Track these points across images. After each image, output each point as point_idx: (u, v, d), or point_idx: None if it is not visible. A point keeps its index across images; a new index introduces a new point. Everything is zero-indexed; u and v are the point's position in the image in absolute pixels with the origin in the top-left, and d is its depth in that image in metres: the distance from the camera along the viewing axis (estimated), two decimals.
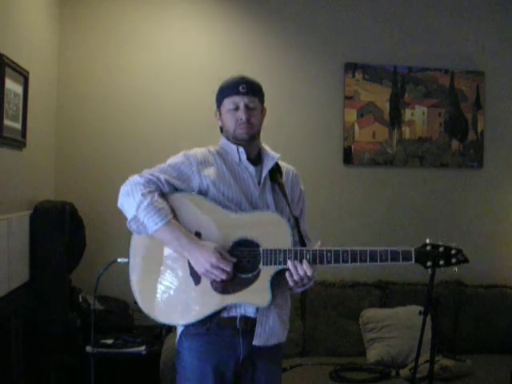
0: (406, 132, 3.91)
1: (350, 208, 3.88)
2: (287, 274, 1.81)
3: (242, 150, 1.95)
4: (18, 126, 2.87)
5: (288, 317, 1.98)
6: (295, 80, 3.82)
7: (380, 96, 3.88)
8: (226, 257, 1.80)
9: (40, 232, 3.02)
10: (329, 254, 1.80)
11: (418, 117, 3.92)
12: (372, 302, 3.58)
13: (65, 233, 3.06)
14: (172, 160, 1.93)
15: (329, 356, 3.40)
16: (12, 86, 2.73)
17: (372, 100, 3.86)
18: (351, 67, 3.84)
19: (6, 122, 2.67)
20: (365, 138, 3.85)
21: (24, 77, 2.90)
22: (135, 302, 1.88)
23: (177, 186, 1.89)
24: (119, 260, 1.94)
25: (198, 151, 1.96)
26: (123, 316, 3.37)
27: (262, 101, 2.00)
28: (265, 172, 1.95)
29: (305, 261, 1.80)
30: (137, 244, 1.89)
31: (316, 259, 1.81)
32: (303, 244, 1.90)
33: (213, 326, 1.85)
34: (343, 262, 1.80)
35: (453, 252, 1.83)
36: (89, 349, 3.07)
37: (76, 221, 3.19)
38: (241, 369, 1.89)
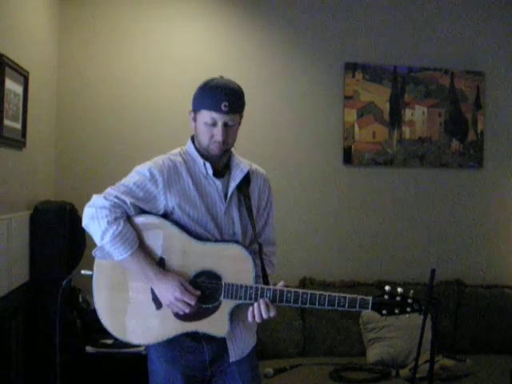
0: (406, 132, 3.91)
1: (350, 208, 3.88)
2: (248, 311, 1.83)
3: (208, 165, 1.90)
4: (18, 126, 2.87)
5: (254, 323, 1.97)
6: (295, 80, 3.82)
7: (380, 96, 3.88)
8: (190, 290, 1.81)
9: (40, 232, 3.02)
10: (289, 295, 1.81)
11: (418, 117, 3.93)
12: None
13: (65, 233, 3.06)
14: (138, 175, 1.86)
15: (329, 356, 3.41)
16: (12, 86, 2.73)
17: (372, 100, 3.86)
18: (351, 67, 3.84)
19: (6, 122, 2.66)
20: (365, 137, 3.85)
21: (24, 77, 2.90)
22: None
23: (143, 207, 1.86)
24: (83, 272, 1.95)
25: (166, 165, 1.89)
26: None
27: (242, 112, 1.92)
28: (232, 186, 1.92)
29: (266, 302, 1.81)
30: (102, 261, 1.88)
31: (276, 298, 1.81)
32: (264, 273, 1.91)
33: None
34: (302, 303, 1.81)
35: (409, 301, 1.90)
36: (89, 349, 3.07)
37: (76, 221, 3.19)
38: (211, 369, 1.92)
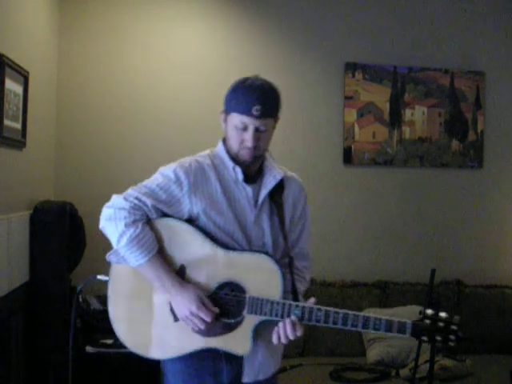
0: (406, 132, 3.91)
1: (350, 208, 3.88)
2: (273, 331, 1.68)
3: (238, 169, 1.76)
4: (18, 126, 2.87)
5: (281, 347, 1.81)
6: (295, 80, 3.82)
7: (380, 96, 3.88)
8: (207, 305, 1.68)
9: (40, 232, 3.02)
10: (319, 314, 1.66)
11: (418, 117, 3.93)
12: (372, 302, 3.59)
13: (65, 233, 3.06)
14: (163, 177, 1.74)
15: (329, 356, 3.41)
16: (12, 86, 2.73)
17: (372, 100, 3.86)
18: (351, 67, 3.84)
19: (6, 122, 2.66)
20: (365, 137, 3.85)
21: (24, 77, 2.90)
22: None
23: (165, 211, 1.73)
24: (99, 277, 1.87)
25: (193, 167, 1.75)
26: None
27: (276, 116, 1.78)
28: (263, 194, 1.78)
29: (293, 320, 1.65)
30: (118, 267, 1.79)
31: (304, 316, 1.66)
32: (294, 288, 1.77)
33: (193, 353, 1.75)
34: (333, 323, 1.66)
35: (453, 328, 1.64)
36: (89, 349, 3.07)
37: (76, 221, 3.19)
38: None
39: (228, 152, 1.79)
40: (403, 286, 3.70)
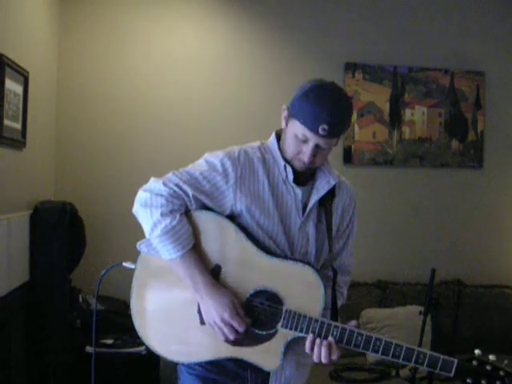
0: (406, 132, 3.91)
1: None
2: (308, 339, 1.54)
3: (289, 169, 1.62)
4: (18, 126, 2.87)
5: (310, 361, 1.66)
6: (295, 80, 3.79)
7: (380, 96, 3.88)
8: (241, 315, 1.54)
9: (40, 232, 3.02)
10: (359, 338, 1.52)
11: (418, 117, 3.92)
12: (372, 302, 3.58)
13: (65, 233, 3.06)
14: (208, 165, 1.60)
15: None
16: (12, 86, 2.73)
17: (372, 100, 3.86)
18: (351, 67, 3.84)
19: (6, 122, 2.66)
20: (365, 137, 3.85)
21: (24, 77, 2.90)
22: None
23: (206, 203, 1.60)
24: (124, 264, 1.77)
25: (242, 159, 1.62)
26: (123, 316, 3.37)
27: (340, 136, 1.61)
28: (314, 198, 1.64)
29: (330, 343, 1.52)
30: (147, 257, 1.66)
31: (343, 339, 1.53)
32: (334, 306, 1.65)
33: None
34: (373, 351, 1.52)
35: (501, 373, 1.48)
36: (89, 349, 3.07)
37: (76, 221, 3.19)
38: None
39: (280, 148, 1.66)
40: (403, 286, 3.70)
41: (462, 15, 3.98)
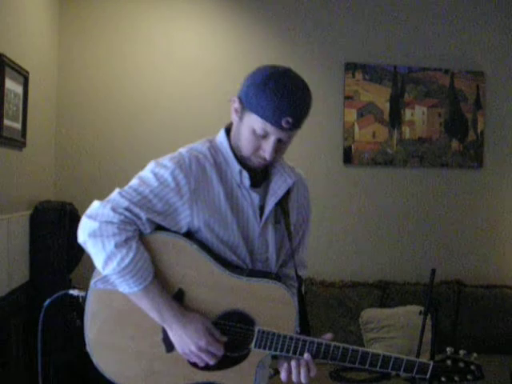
0: (406, 132, 3.91)
1: (350, 208, 3.88)
2: (282, 368, 1.50)
3: (245, 174, 1.51)
4: (18, 126, 2.87)
5: (269, 361, 1.67)
6: None
7: (380, 96, 3.88)
8: (217, 338, 1.46)
9: (40, 232, 3.02)
10: (335, 352, 1.48)
11: (418, 117, 3.92)
12: (372, 302, 3.59)
13: (65, 233, 3.06)
14: (158, 181, 1.46)
15: None
16: (12, 85, 2.73)
17: (372, 100, 3.86)
18: (351, 67, 3.84)
19: (6, 122, 2.66)
20: (365, 137, 3.85)
21: (24, 77, 2.90)
22: (88, 354, 1.55)
23: (160, 223, 1.46)
24: (71, 292, 1.63)
25: (194, 168, 1.47)
26: None
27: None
28: (272, 202, 1.54)
29: (308, 361, 1.49)
30: (100, 290, 1.51)
31: (320, 354, 1.49)
32: (305, 318, 1.59)
33: None
34: (350, 362, 1.48)
35: (472, 368, 1.54)
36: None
37: (76, 221, 3.17)
38: None
39: (231, 147, 1.53)
40: (403, 285, 3.70)
41: (462, 15, 3.98)
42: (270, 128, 1.42)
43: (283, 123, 1.40)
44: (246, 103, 1.44)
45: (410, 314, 3.38)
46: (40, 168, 3.31)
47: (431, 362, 1.49)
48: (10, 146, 2.76)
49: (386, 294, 3.65)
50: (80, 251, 3.23)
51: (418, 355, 2.24)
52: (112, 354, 1.52)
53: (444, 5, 3.96)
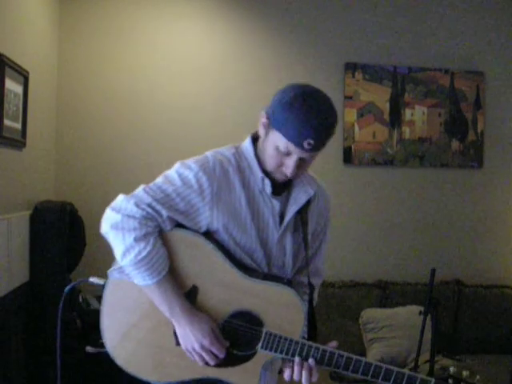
0: (406, 132, 3.91)
1: (350, 208, 3.87)
2: (286, 369, 1.54)
3: (267, 182, 1.55)
4: (18, 126, 2.87)
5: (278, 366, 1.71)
6: (295, 80, 3.79)
7: (380, 96, 3.88)
8: (220, 340, 1.51)
9: (40, 232, 3.02)
10: (339, 360, 1.55)
11: (418, 117, 3.92)
12: (372, 302, 3.59)
13: (65, 233, 3.06)
14: (182, 181, 1.51)
15: None
16: (12, 86, 2.73)
17: (372, 100, 3.86)
18: (351, 67, 3.84)
19: (6, 122, 2.66)
20: (365, 137, 3.85)
21: (24, 77, 2.90)
22: (101, 342, 1.65)
23: (180, 221, 1.52)
24: (91, 279, 1.67)
25: (217, 172, 1.52)
26: None
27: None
28: (292, 210, 1.59)
29: (310, 366, 1.54)
30: (118, 279, 1.60)
31: (323, 361, 1.56)
32: (313, 322, 1.65)
33: None
34: (353, 372, 1.54)
35: None
36: (89, 349, 3.07)
37: (76, 221, 3.19)
38: None
39: (257, 155, 1.57)
40: (403, 286, 3.70)
41: (462, 15, 3.98)
42: (292, 148, 1.46)
43: (305, 145, 1.45)
44: (272, 120, 1.49)
45: (409, 314, 3.38)
46: (40, 168, 3.30)
47: (433, 379, 1.50)
48: (10, 145, 2.76)
49: (386, 294, 3.65)
50: (80, 251, 3.25)
51: (417, 355, 2.24)
52: (125, 343, 1.58)
53: (444, 5, 3.96)
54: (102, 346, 3.12)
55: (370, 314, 3.47)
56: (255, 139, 1.62)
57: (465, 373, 1.57)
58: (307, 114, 1.44)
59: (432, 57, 3.94)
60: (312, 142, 1.45)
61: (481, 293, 3.73)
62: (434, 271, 2.27)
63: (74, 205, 3.20)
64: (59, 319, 1.75)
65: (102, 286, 1.62)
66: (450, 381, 1.56)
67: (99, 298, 3.44)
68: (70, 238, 3.10)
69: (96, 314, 1.91)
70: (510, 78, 4.04)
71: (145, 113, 3.66)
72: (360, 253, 3.88)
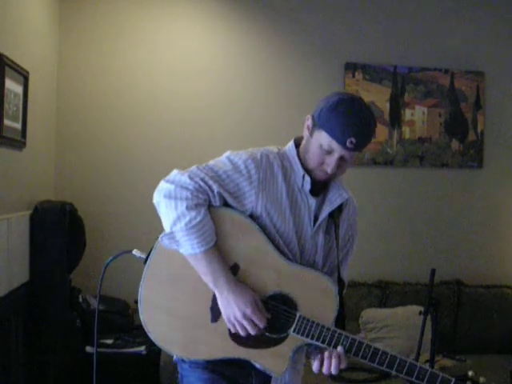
0: (406, 132, 3.91)
1: None
2: (315, 359, 1.58)
3: (308, 179, 1.64)
4: (18, 126, 2.87)
5: (302, 363, 1.77)
6: (295, 80, 3.81)
7: (380, 96, 3.88)
8: (262, 311, 1.56)
9: (40, 232, 3.02)
10: (367, 350, 1.57)
11: (418, 117, 3.92)
12: (372, 302, 3.58)
13: (65, 233, 3.06)
14: (232, 165, 1.60)
15: None
16: (12, 86, 2.73)
17: (372, 100, 3.86)
18: (351, 67, 3.84)
19: (6, 122, 2.67)
20: None
21: (24, 77, 2.90)
22: (135, 302, 1.65)
23: (228, 201, 1.59)
24: (134, 252, 1.69)
25: (264, 163, 1.62)
26: (123, 316, 3.38)
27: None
28: (327, 210, 1.68)
29: (340, 353, 1.56)
30: (163, 248, 1.61)
31: (352, 350, 1.57)
32: (342, 315, 1.65)
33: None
34: (378, 364, 1.59)
35: None
36: (89, 349, 3.07)
37: (76, 221, 3.19)
38: None
39: (299, 157, 1.68)
40: (403, 286, 3.70)
41: (461, 15, 3.98)
42: (335, 145, 1.57)
43: (347, 143, 1.55)
44: (318, 121, 1.61)
45: (409, 314, 3.38)
46: (40, 168, 3.31)
47: (453, 379, 1.54)
48: (10, 146, 2.76)
49: (386, 294, 3.65)
50: (80, 251, 3.25)
51: (417, 355, 2.24)
52: (160, 315, 1.60)
53: (444, 5, 3.96)
54: (102, 345, 3.13)
55: (370, 314, 3.47)
56: (298, 143, 1.72)
57: (482, 379, 1.61)
58: (351, 115, 1.56)
59: (432, 57, 3.94)
60: (354, 140, 1.54)
61: (481, 293, 3.73)
62: (433, 271, 2.27)
63: (74, 205, 3.20)
64: (98, 293, 1.82)
65: (144, 260, 1.63)
66: (469, 383, 1.60)
67: (99, 298, 3.44)
68: (70, 237, 3.10)
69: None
70: (510, 77, 4.04)
71: (145, 113, 3.66)
72: (360, 253, 3.84)
